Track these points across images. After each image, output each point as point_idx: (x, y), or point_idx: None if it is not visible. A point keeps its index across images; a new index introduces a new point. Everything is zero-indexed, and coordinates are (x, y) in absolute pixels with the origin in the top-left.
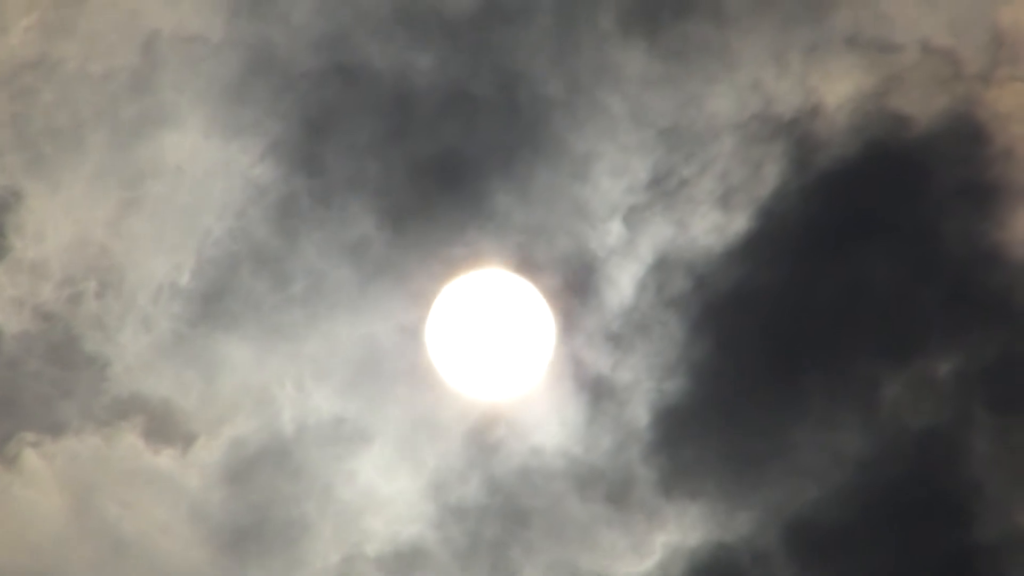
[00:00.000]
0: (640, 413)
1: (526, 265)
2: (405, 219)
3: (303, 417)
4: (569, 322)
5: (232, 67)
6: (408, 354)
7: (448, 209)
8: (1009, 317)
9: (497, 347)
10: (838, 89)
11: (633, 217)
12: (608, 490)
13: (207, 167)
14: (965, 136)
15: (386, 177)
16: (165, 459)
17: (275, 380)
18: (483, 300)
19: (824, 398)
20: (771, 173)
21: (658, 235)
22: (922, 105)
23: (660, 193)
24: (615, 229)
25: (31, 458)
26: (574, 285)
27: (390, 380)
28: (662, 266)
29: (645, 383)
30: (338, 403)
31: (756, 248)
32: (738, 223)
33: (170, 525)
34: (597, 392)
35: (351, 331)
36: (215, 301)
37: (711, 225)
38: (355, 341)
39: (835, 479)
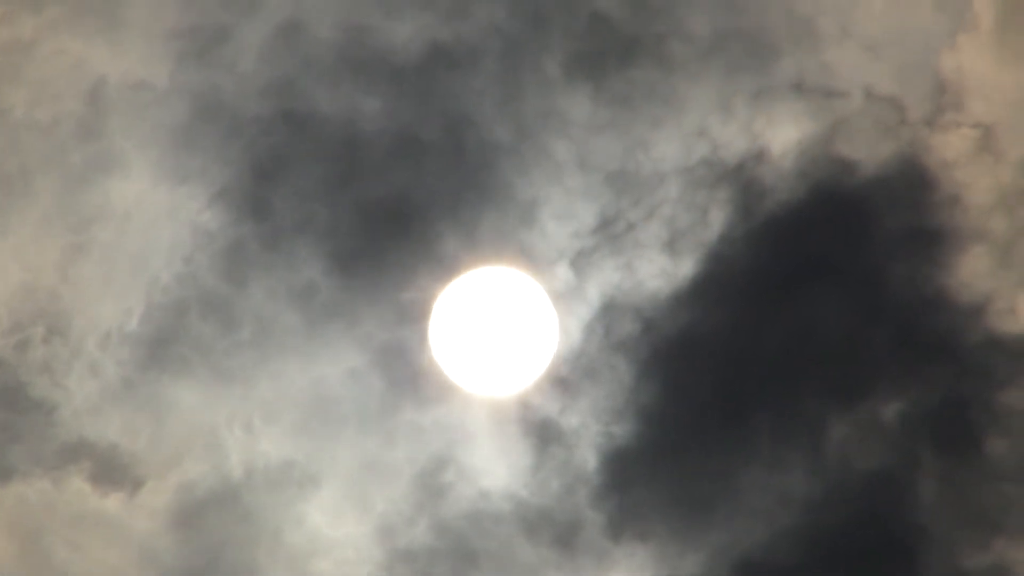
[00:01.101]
0: (588, 456)
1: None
2: (353, 263)
3: (252, 461)
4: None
5: (179, 113)
6: (357, 398)
7: (396, 253)
8: (954, 360)
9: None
10: (784, 135)
11: (580, 261)
12: (557, 533)
13: (155, 213)
14: (910, 181)
15: (334, 222)
16: (113, 503)
17: (224, 424)
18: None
19: (772, 440)
20: (717, 218)
21: (605, 280)
22: (867, 151)
23: (607, 237)
24: (562, 273)
25: None
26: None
27: (339, 424)
28: (609, 310)
29: (593, 426)
30: (287, 447)
31: (703, 292)
32: (685, 267)
33: (119, 569)
34: (545, 435)
35: (300, 375)
36: (163, 346)
37: (658, 269)
38: (304, 385)
39: (783, 520)
